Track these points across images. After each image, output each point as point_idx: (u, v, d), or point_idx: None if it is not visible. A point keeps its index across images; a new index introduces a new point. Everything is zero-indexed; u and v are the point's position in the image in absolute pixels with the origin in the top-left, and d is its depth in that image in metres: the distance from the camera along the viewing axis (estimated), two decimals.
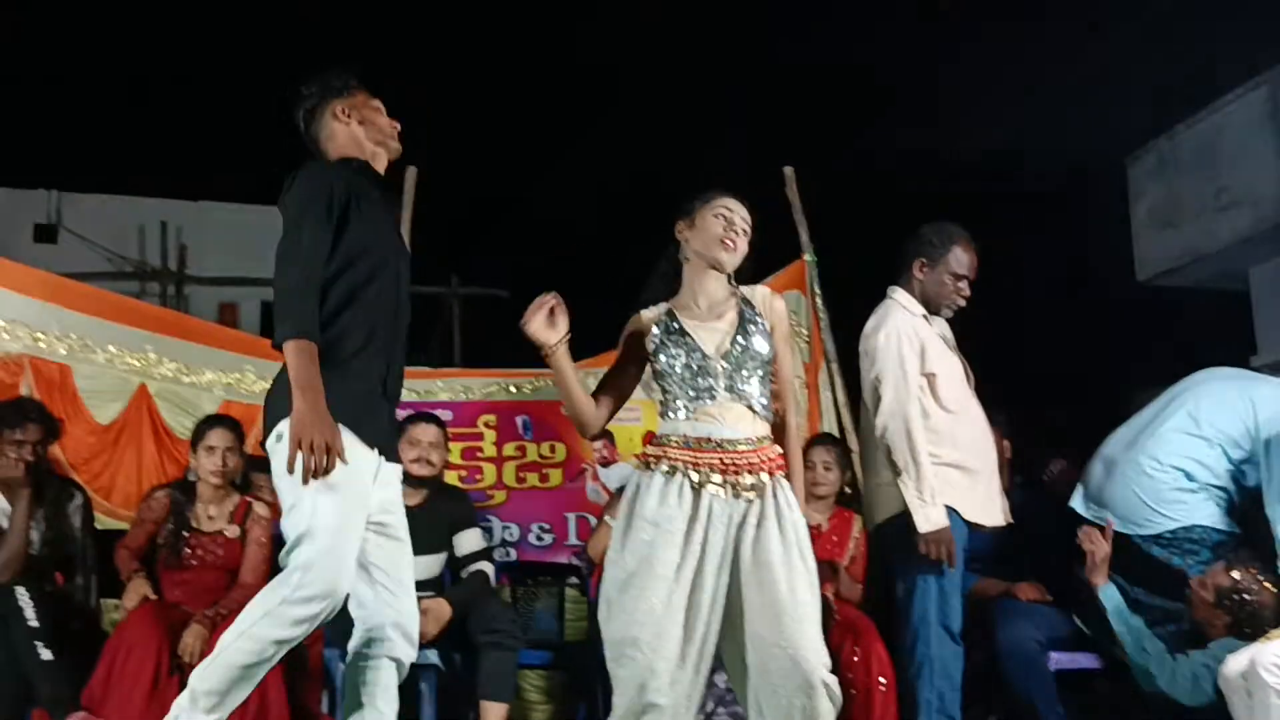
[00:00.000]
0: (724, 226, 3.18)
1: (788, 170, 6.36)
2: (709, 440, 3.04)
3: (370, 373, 3.07)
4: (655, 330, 3.17)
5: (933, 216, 4.09)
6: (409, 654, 3.15)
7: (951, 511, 3.67)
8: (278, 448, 2.95)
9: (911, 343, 3.79)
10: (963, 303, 3.97)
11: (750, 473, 3.02)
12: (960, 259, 3.93)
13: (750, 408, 3.08)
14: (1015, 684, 4.31)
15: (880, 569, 4.03)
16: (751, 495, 3.01)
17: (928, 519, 3.62)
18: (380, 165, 3.33)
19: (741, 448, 3.04)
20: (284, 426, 2.91)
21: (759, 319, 3.16)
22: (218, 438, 4.39)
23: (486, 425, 5.86)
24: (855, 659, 4.23)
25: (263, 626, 2.89)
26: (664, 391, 3.15)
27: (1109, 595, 4.12)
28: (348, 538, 2.95)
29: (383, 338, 3.11)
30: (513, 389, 6.06)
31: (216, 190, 16.95)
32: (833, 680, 2.95)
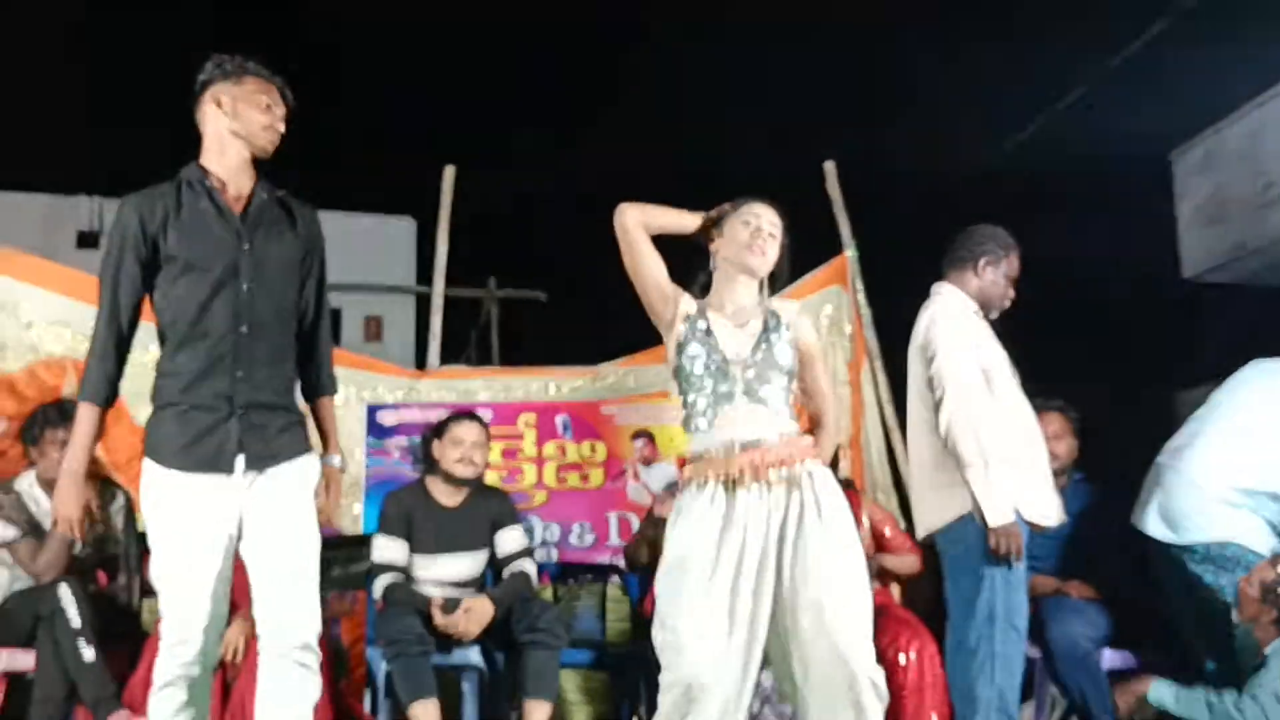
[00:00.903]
0: (751, 233, 3.16)
1: (828, 165, 6.30)
2: (734, 443, 3.03)
3: (213, 395, 2.98)
4: (683, 326, 3.15)
5: (975, 213, 4.06)
6: (284, 645, 2.97)
7: None
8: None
9: (967, 336, 3.75)
10: (1008, 305, 3.95)
11: (783, 465, 3.01)
12: (1014, 264, 3.93)
13: (771, 411, 3.08)
14: (1068, 682, 4.28)
15: (938, 571, 3.96)
16: (784, 484, 2.99)
17: (998, 512, 3.55)
18: (237, 159, 3.04)
19: (769, 442, 3.03)
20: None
21: (784, 330, 3.15)
22: None
23: (527, 425, 5.82)
24: (911, 656, 4.19)
25: (154, 681, 2.97)
26: (685, 397, 3.14)
27: (1159, 691, 4.01)
28: (191, 579, 2.95)
29: (228, 353, 2.98)
30: (552, 388, 6.02)
31: None
32: (879, 675, 2.93)
